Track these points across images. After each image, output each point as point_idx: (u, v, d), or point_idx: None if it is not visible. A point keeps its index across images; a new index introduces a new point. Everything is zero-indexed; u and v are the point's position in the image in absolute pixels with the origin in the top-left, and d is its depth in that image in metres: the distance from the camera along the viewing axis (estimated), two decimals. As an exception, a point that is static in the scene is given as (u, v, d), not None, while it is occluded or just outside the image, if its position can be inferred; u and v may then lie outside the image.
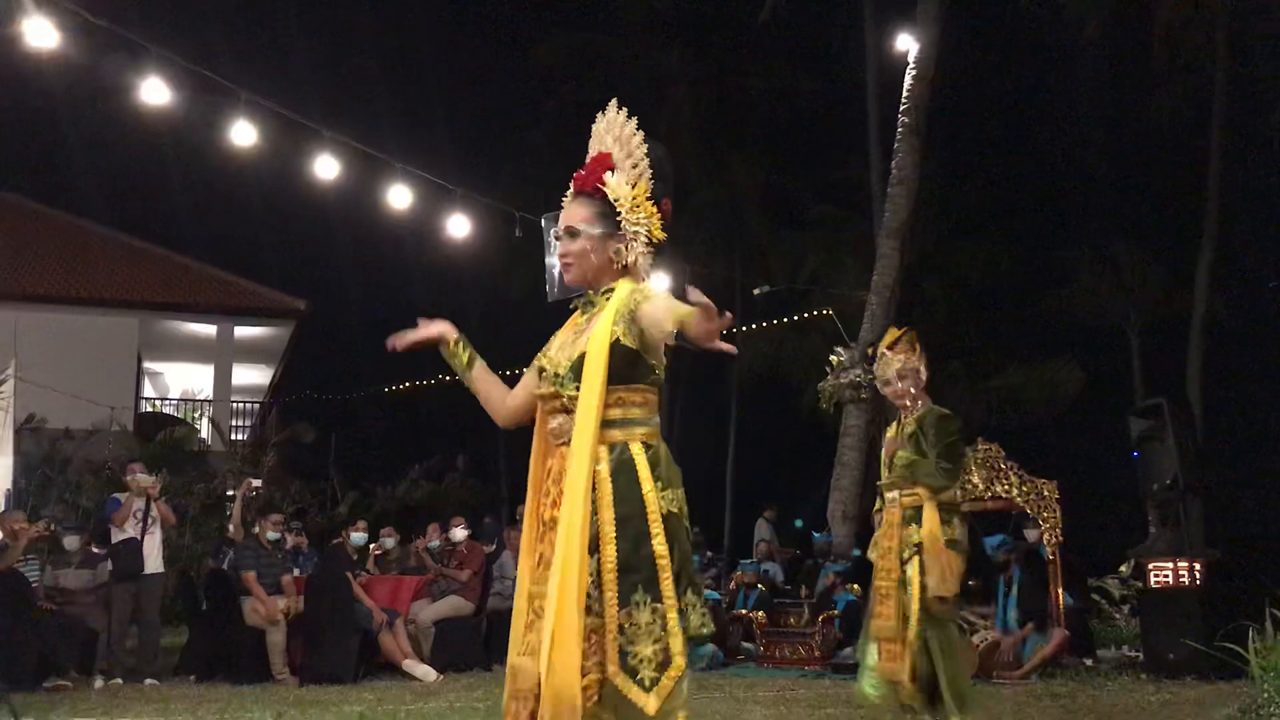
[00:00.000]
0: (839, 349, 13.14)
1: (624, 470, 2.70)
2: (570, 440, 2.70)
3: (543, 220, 3.03)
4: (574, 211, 2.89)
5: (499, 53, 31.65)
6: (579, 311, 2.93)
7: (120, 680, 8.74)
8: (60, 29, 8.31)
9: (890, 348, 5.32)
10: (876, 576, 5.11)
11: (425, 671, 9.07)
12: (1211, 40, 18.97)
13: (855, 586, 11.35)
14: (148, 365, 22.86)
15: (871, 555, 5.24)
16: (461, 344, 3.00)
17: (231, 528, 10.90)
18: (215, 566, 10.62)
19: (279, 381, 24.75)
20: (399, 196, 10.55)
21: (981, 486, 10.28)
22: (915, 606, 4.85)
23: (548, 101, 25.85)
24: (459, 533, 10.43)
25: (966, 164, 21.71)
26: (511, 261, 19.73)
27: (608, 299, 2.82)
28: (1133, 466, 10.23)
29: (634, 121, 2.94)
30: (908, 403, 5.22)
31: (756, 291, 17.95)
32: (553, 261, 3.00)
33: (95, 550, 9.83)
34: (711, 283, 21.70)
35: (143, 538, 9.11)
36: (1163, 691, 7.43)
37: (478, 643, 10.00)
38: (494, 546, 10.85)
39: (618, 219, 2.85)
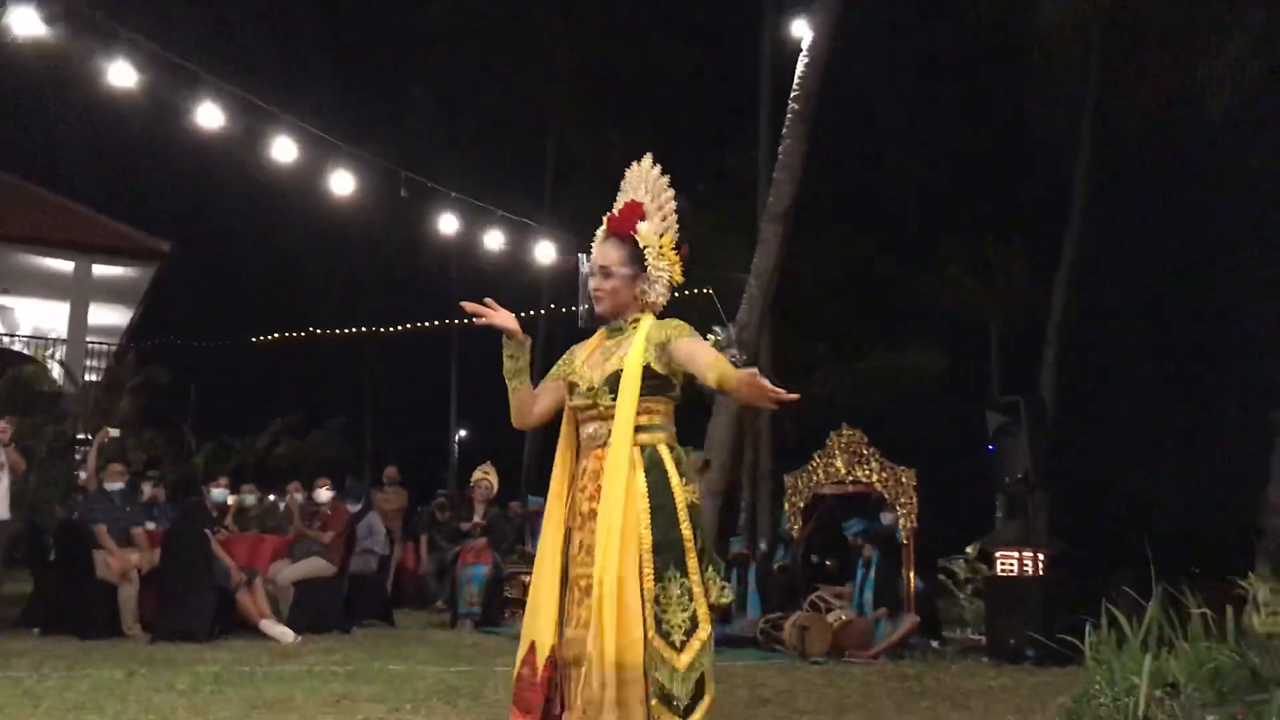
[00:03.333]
0: (715, 328, 13.28)
1: (655, 467, 3.23)
2: (606, 442, 3.24)
3: (579, 255, 3.53)
4: (608, 253, 3.39)
5: (386, 10, 30.91)
6: (604, 334, 3.45)
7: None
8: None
9: None
10: None
11: (283, 632, 8.94)
12: (1086, 46, 19.72)
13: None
14: (-4, 299, 21.81)
15: None
16: (527, 349, 3.44)
17: (84, 476, 10.52)
18: (66, 516, 10.26)
19: (138, 325, 23.89)
20: (282, 149, 10.29)
21: (844, 471, 10.59)
22: None
23: (430, 60, 25.46)
24: (323, 493, 10.28)
25: (848, 151, 22.12)
26: (392, 216, 19.40)
27: (635, 327, 3.36)
28: (987, 458, 10.66)
29: (666, 178, 3.46)
30: None
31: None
32: (586, 293, 3.47)
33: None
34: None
35: (-12, 483, 8.74)
36: (1003, 676, 7.79)
37: (338, 605, 9.89)
38: (359, 507, 10.72)
39: (645, 264, 3.36)
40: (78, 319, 20.68)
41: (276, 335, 21.78)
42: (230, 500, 11.19)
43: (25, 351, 20.91)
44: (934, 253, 23.52)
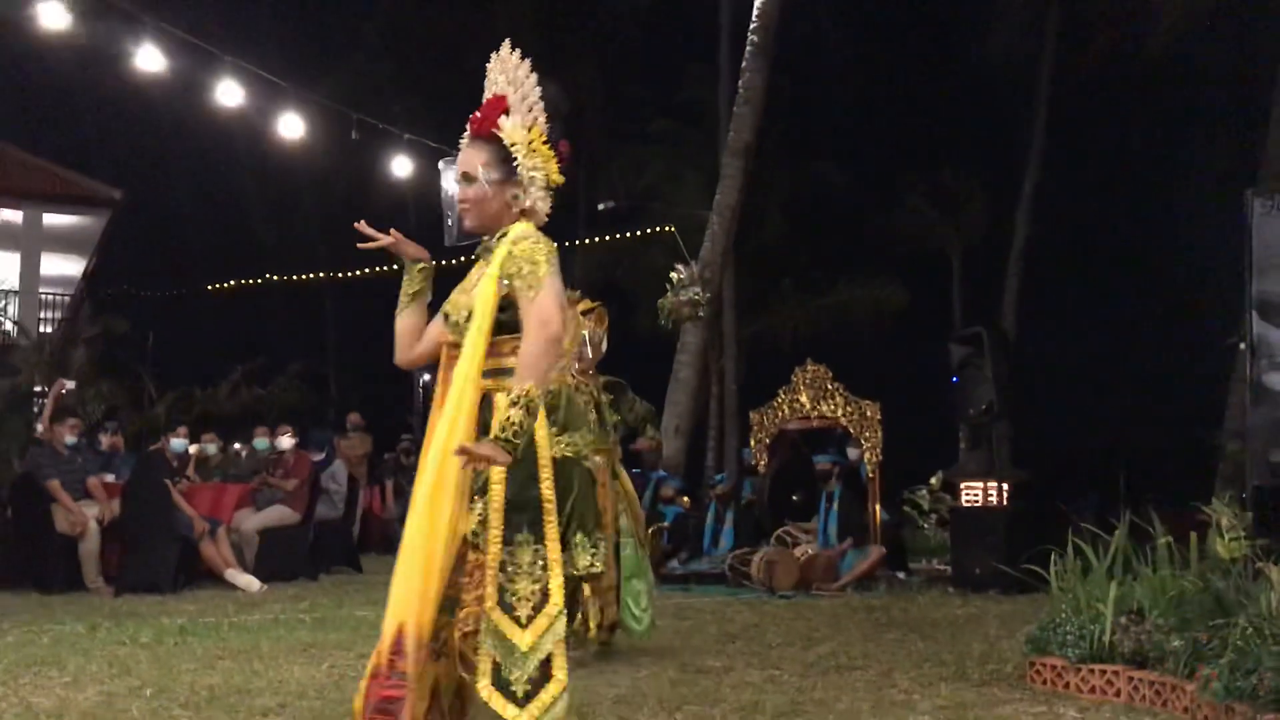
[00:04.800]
0: (679, 266, 13.19)
1: None
2: None
3: (440, 163, 3.09)
4: (470, 157, 2.90)
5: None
6: (480, 257, 2.94)
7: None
8: None
9: (584, 315, 5.52)
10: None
11: (248, 582, 8.88)
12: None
13: (686, 500, 11.62)
14: (-55, 251, 21.32)
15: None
16: (425, 275, 3.03)
17: (40, 428, 10.34)
18: (22, 470, 10.09)
19: (92, 274, 23.46)
20: (228, 92, 10.08)
21: (809, 406, 10.61)
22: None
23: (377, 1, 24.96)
24: (285, 441, 10.17)
25: (806, 84, 21.92)
26: (344, 158, 19.06)
27: (500, 245, 2.85)
28: (950, 390, 10.70)
29: (528, 62, 2.94)
30: (588, 369, 5.56)
31: (601, 206, 17.85)
32: (450, 204, 3.02)
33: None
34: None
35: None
36: (969, 605, 7.89)
37: (303, 553, 9.84)
38: (323, 456, 10.63)
39: (514, 164, 2.87)
40: (29, 269, 20.30)
41: (233, 282, 21.52)
42: (192, 450, 11.06)
43: (-24, 304, 20.52)
44: (894, 185, 23.49)
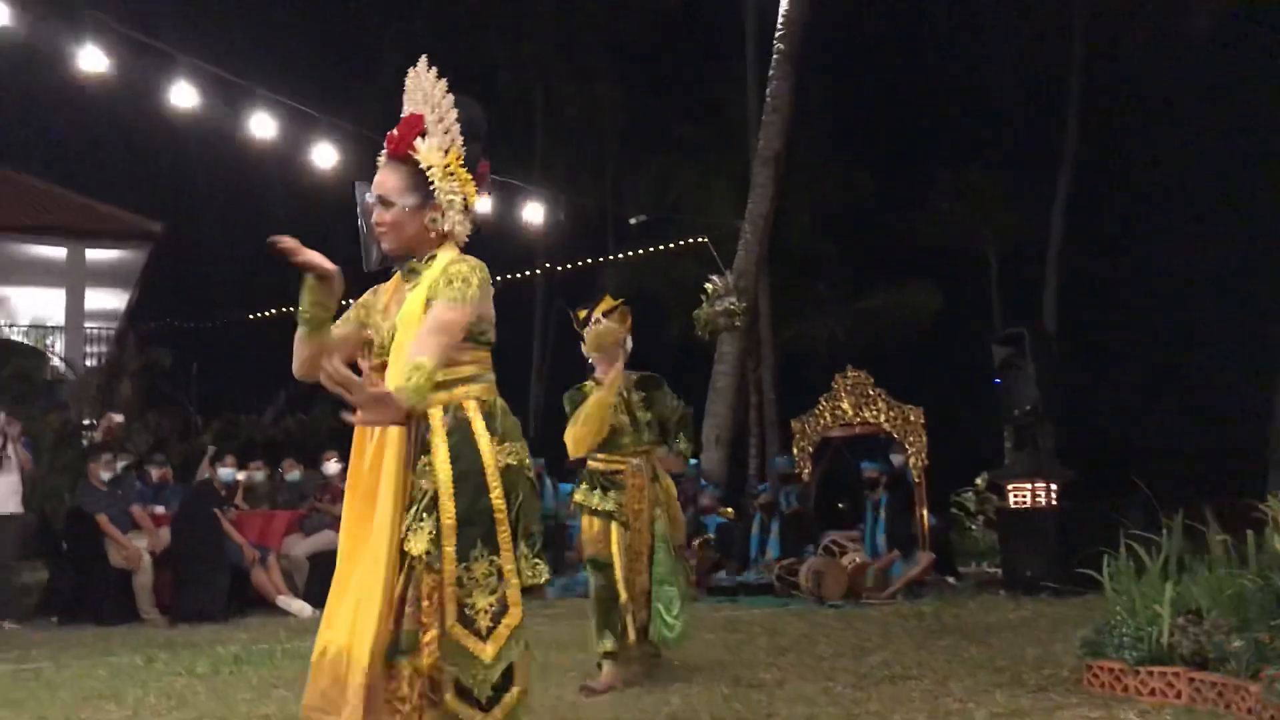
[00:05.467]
0: (713, 277, 13.20)
1: (459, 428, 2.74)
2: None
3: (354, 186, 2.92)
4: (386, 179, 2.83)
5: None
6: (402, 278, 2.88)
7: (-14, 623, 8.42)
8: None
9: (605, 315, 5.43)
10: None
11: (300, 607, 8.95)
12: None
13: (730, 510, 11.59)
14: (-8, 290, 21.69)
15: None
16: (338, 296, 2.87)
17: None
18: (72, 505, 10.23)
19: (135, 307, 23.77)
20: (261, 124, 10.24)
21: (851, 413, 10.56)
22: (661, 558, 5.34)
23: (401, 24, 25.13)
24: (332, 466, 10.25)
25: (833, 87, 21.85)
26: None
27: (429, 266, 2.80)
28: (993, 392, 10.62)
29: (444, 82, 2.86)
30: (619, 365, 5.39)
31: (633, 220, 17.87)
32: (367, 229, 2.90)
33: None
34: (583, 209, 21.59)
35: (-6, 477, 8.73)
36: (1021, 608, 7.80)
37: (353, 576, 9.88)
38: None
39: (431, 187, 2.80)
40: (74, 305, 20.57)
41: (272, 311, 21.69)
42: (239, 478, 11.16)
43: (25, 342, 20.83)
44: (926, 187, 23.31)
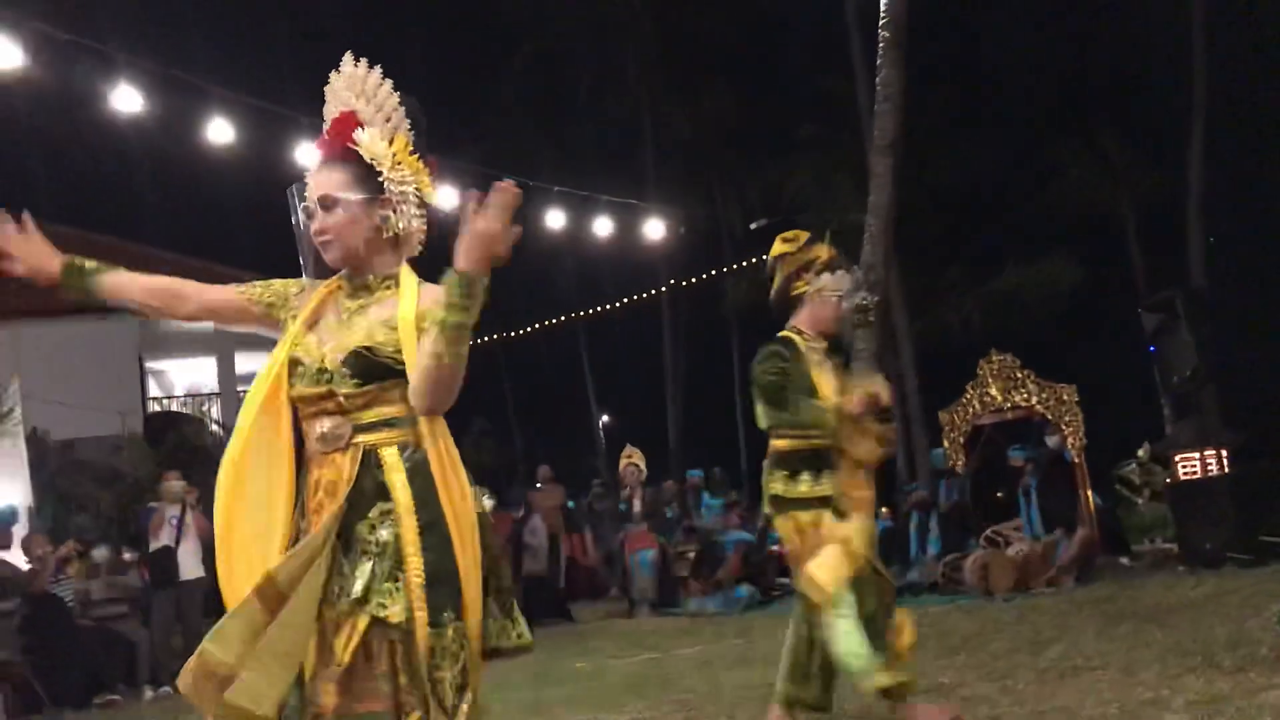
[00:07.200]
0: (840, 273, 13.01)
1: (419, 472, 2.36)
2: (349, 444, 2.36)
3: (288, 192, 2.57)
4: (326, 179, 2.44)
5: (460, 8, 31.12)
6: (341, 289, 2.51)
7: (170, 689, 8.76)
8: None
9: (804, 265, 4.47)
10: None
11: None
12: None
13: (885, 510, 11.40)
14: (150, 365, 22.74)
15: None
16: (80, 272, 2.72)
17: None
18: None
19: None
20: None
21: (1000, 398, 10.27)
22: None
23: (512, 56, 25.58)
24: (486, 503, 10.38)
25: (946, 66, 21.38)
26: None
27: (389, 289, 2.45)
28: (1147, 361, 10.21)
29: (377, 71, 2.52)
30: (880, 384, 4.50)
31: (754, 225, 17.79)
32: (305, 240, 2.52)
33: (124, 558, 9.84)
34: (696, 222, 21.59)
35: (177, 544, 9.11)
36: (1204, 585, 7.41)
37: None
38: (521, 512, 10.86)
39: (380, 180, 2.43)
40: (225, 370, 21.45)
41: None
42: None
43: (185, 411, 21.81)
44: (1052, 158, 22.59)
